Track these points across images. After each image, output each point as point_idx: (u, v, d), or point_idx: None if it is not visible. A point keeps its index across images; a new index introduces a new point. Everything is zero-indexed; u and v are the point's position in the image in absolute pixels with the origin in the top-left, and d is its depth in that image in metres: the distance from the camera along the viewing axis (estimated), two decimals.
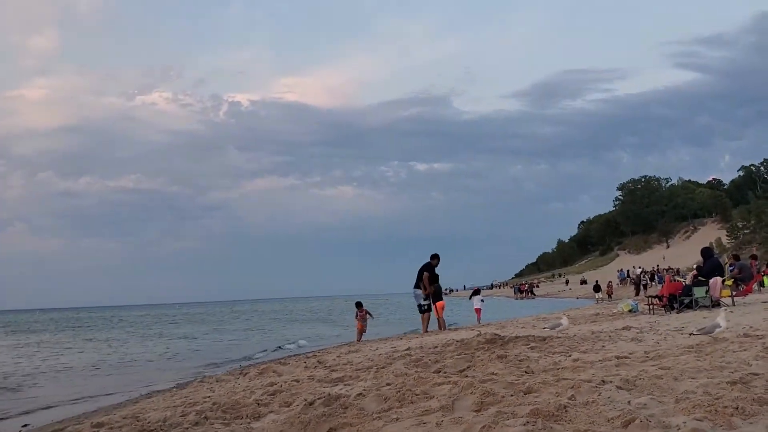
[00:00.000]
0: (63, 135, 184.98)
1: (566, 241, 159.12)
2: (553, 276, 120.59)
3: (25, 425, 10.24)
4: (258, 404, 6.50)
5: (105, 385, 15.46)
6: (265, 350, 22.05)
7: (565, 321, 11.80)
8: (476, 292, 26.02)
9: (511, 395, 5.51)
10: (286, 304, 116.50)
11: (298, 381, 8.06)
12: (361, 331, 19.39)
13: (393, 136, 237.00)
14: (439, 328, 17.37)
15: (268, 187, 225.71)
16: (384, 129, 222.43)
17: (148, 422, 6.38)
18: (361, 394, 6.11)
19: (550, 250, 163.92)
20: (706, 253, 17.53)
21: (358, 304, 19.96)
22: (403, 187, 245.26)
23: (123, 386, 14.84)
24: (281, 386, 7.67)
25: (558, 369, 6.97)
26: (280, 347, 23.04)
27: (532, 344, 9.45)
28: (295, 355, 16.28)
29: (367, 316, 19.75)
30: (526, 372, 6.89)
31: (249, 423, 5.76)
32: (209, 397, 8.03)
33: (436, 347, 10.29)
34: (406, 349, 10.76)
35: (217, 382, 10.61)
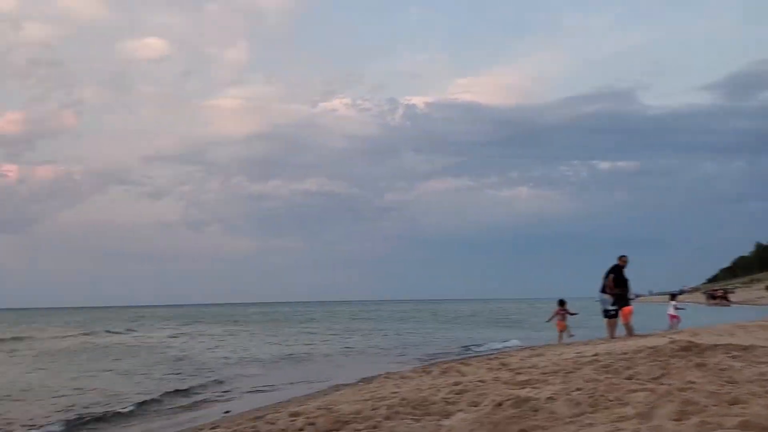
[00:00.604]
0: (253, 142, 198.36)
1: (766, 243, 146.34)
2: (751, 281, 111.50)
3: (227, 412, 11.04)
4: (446, 402, 6.58)
5: (295, 375, 16.36)
6: (446, 350, 22.29)
7: None
8: (672, 297, 24.81)
9: (715, 405, 5.18)
10: (463, 305, 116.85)
11: (483, 381, 8.06)
12: (563, 331, 19.01)
13: (573, 134, 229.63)
14: (627, 334, 16.62)
15: (443, 189, 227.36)
16: (564, 126, 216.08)
17: (341, 414, 6.66)
18: (551, 397, 6.00)
19: (747, 253, 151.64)
20: None
21: (561, 302, 19.61)
22: (585, 187, 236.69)
23: (310, 378, 15.62)
24: (467, 386, 7.70)
25: (766, 380, 6.45)
26: (463, 347, 23.22)
27: (734, 353, 8.80)
28: (476, 356, 16.30)
29: (567, 315, 19.36)
30: (728, 382, 6.44)
31: (439, 420, 5.84)
32: (396, 393, 8.22)
33: (626, 354, 9.87)
34: (594, 355, 10.41)
35: (401, 378, 10.83)
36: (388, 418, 6.07)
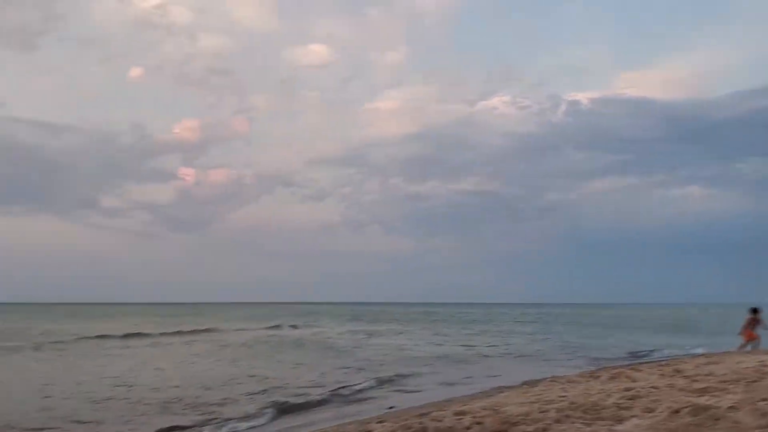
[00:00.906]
0: (411, 142, 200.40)
1: None
2: None
3: (391, 407, 11.31)
4: (618, 408, 6.40)
5: (456, 375, 16.46)
6: (613, 355, 21.60)
7: None
8: None
9: None
10: (627, 309, 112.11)
11: (656, 388, 7.76)
12: (750, 341, 17.70)
13: (750, 130, 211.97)
14: None
15: (606, 188, 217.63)
16: (740, 122, 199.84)
17: (509, 415, 6.65)
18: (733, 407, 5.69)
19: None
20: None
21: (754, 310, 18.34)
22: (765, 186, 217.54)
23: (472, 378, 15.68)
24: (639, 392, 7.45)
25: None
26: (630, 352, 22.45)
27: None
28: (646, 362, 15.63)
29: (759, 324, 18.05)
30: None
31: (611, 425, 5.71)
32: (564, 396, 8.08)
33: None
34: None
35: (568, 382, 10.62)
36: (558, 421, 6.01)
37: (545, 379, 12.49)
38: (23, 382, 15.44)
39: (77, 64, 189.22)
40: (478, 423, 6.42)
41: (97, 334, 33.02)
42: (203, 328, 40.10)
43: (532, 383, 12.24)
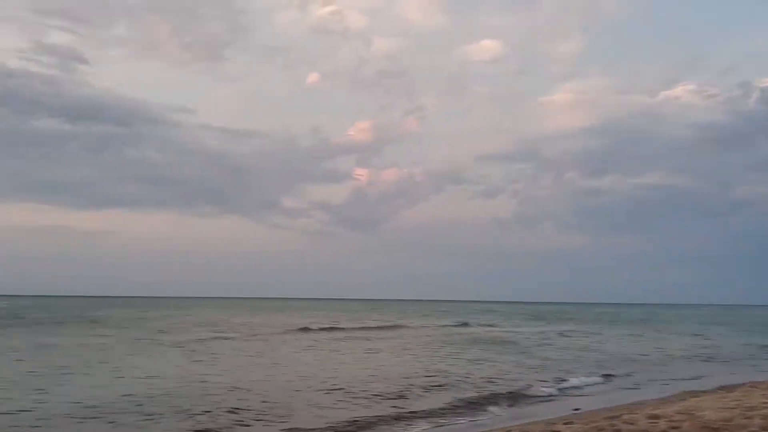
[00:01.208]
0: (587, 136, 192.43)
1: None
2: None
3: (577, 409, 11.08)
4: None
5: (644, 377, 15.87)
6: None
7: None
8: None
9: None
10: None
11: None
12: None
13: None
14: None
15: None
16: None
17: (707, 420, 6.38)
18: None
19: None
20: None
21: None
22: None
23: (657, 381, 15.06)
24: None
25: None
26: None
27: None
28: None
29: None
30: None
31: None
32: (767, 403, 7.60)
33: None
34: None
35: None
36: (765, 429, 5.69)
37: (744, 384, 11.74)
38: (222, 368, 16.64)
39: (260, 72, 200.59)
40: (675, 428, 6.23)
41: (299, 327, 35.74)
42: (389, 324, 41.56)
43: (729, 388, 11.57)
